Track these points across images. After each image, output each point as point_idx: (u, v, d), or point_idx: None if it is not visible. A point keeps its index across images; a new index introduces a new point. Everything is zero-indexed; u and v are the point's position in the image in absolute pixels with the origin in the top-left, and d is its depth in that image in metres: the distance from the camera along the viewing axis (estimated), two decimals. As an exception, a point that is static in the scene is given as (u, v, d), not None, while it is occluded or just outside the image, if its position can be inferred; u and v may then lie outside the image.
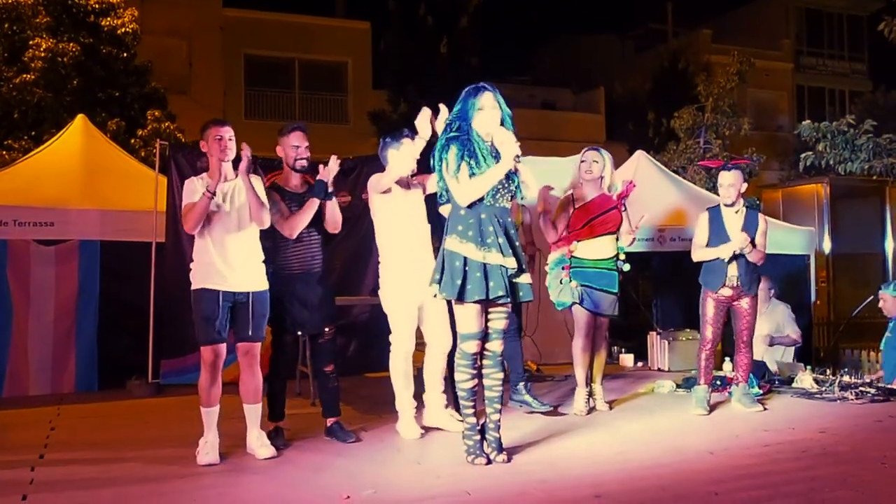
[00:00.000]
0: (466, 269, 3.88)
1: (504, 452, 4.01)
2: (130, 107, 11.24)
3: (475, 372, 4.01)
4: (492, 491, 3.49)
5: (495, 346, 4.04)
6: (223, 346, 4.20)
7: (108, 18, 11.31)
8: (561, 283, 5.29)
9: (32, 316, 6.87)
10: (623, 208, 5.38)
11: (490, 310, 4.02)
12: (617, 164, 10.45)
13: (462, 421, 4.06)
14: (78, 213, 6.96)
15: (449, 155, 3.95)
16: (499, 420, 4.06)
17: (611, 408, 5.45)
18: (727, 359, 6.39)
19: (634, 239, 5.58)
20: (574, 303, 5.26)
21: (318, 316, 4.63)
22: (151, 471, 4.00)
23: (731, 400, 5.51)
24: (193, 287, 4.20)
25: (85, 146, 7.87)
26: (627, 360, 8.06)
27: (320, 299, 4.64)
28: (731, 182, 5.38)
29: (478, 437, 4.00)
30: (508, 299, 3.95)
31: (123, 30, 11.27)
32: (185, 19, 17.71)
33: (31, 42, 10.64)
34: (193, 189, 4.24)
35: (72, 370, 6.95)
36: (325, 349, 4.71)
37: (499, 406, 4.05)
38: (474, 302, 3.89)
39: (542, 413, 5.23)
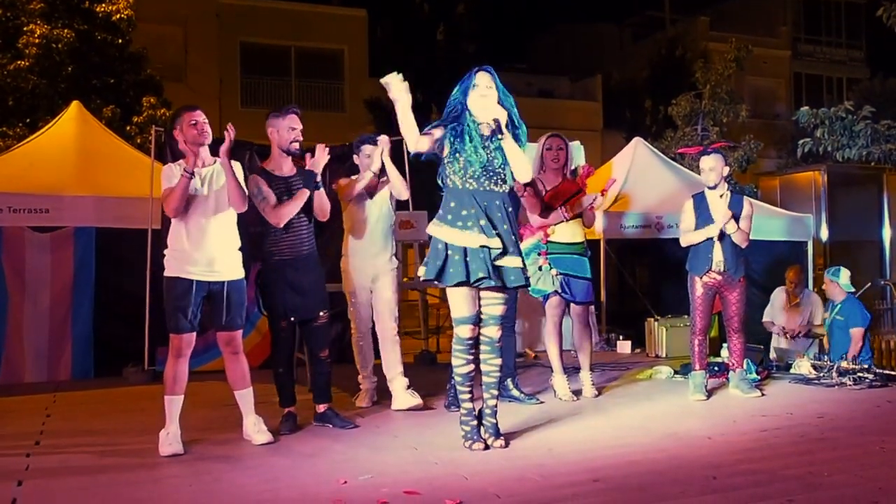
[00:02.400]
0: (448, 252, 3.85)
1: (501, 438, 3.99)
2: (126, 94, 11.20)
3: (471, 357, 3.97)
4: (489, 476, 3.47)
5: (491, 331, 4.00)
6: (192, 336, 4.15)
7: (103, 5, 11.29)
8: (540, 269, 5.25)
9: (28, 303, 6.84)
10: (585, 190, 5.36)
11: (483, 295, 3.97)
12: (614, 151, 10.54)
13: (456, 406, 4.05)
14: (73, 200, 6.93)
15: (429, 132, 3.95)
16: (495, 406, 4.04)
17: (598, 394, 5.43)
18: (725, 345, 6.38)
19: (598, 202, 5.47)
20: (554, 291, 5.24)
21: (311, 301, 4.60)
22: (147, 457, 3.97)
23: (729, 386, 5.50)
24: (166, 274, 4.12)
25: (80, 133, 7.82)
26: (625, 346, 8.05)
27: (312, 284, 4.61)
28: (711, 166, 5.37)
29: (475, 423, 3.99)
30: (493, 282, 3.85)
31: (118, 16, 11.23)
32: (181, 6, 17.60)
33: (25, 28, 10.58)
34: (171, 174, 4.16)
35: (68, 357, 6.93)
36: (320, 334, 4.67)
37: (496, 392, 4.04)
38: (459, 285, 3.84)
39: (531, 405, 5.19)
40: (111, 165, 7.50)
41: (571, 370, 5.60)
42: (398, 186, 5.19)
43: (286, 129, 4.60)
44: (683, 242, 5.52)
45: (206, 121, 4.24)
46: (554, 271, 5.21)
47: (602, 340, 8.33)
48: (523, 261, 3.99)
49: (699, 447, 3.95)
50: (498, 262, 3.87)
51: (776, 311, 7.69)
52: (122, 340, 6.95)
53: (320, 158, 4.61)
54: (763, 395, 5.34)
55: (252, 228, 4.47)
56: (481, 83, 3.95)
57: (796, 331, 7.44)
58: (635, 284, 8.80)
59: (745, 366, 5.53)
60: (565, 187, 5.31)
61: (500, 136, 3.87)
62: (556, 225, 5.25)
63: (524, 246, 5.35)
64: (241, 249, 4.32)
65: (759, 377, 5.85)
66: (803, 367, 6.08)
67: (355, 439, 4.29)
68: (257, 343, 7.08)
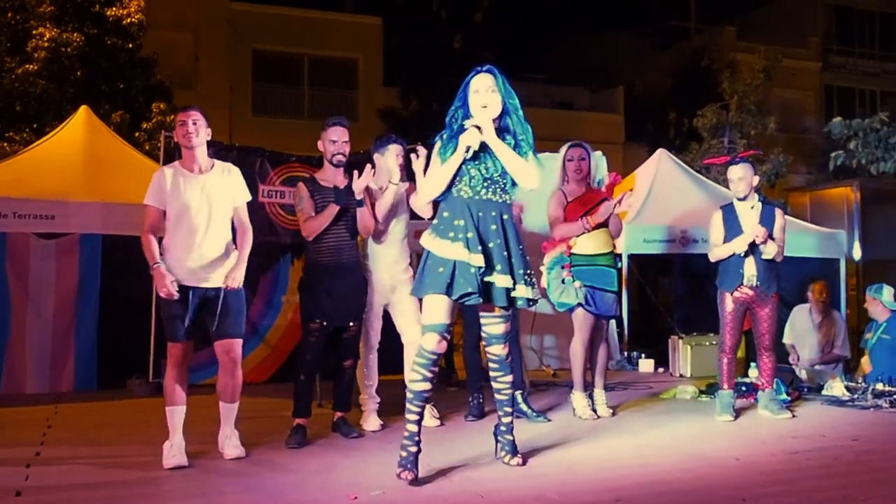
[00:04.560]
0: (429, 262, 3.73)
1: (519, 456, 3.95)
2: (135, 99, 11.30)
3: (430, 375, 3.71)
4: (506, 494, 3.44)
5: (497, 349, 3.93)
6: (190, 345, 4.18)
7: (114, 8, 11.40)
8: (563, 282, 5.23)
9: (31, 311, 6.87)
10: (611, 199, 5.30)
11: (482, 314, 3.90)
12: (636, 164, 10.51)
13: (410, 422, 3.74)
14: (79, 206, 6.95)
15: (436, 145, 3.84)
16: (511, 423, 3.98)
17: (614, 413, 5.39)
18: (752, 364, 6.31)
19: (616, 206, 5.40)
20: (578, 304, 5.21)
21: (345, 309, 4.73)
22: (151, 470, 3.97)
23: (758, 406, 5.43)
24: None
25: (88, 138, 7.87)
26: (647, 365, 7.99)
27: (348, 293, 4.76)
28: (740, 175, 5.32)
29: (414, 450, 3.68)
30: (479, 300, 3.67)
31: (129, 20, 11.33)
32: (192, 12, 17.76)
33: (34, 32, 10.70)
34: (157, 182, 4.17)
35: (70, 368, 6.94)
36: (348, 344, 4.83)
37: (510, 409, 3.97)
38: (437, 294, 3.67)
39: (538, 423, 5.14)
40: (119, 171, 7.53)
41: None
42: (424, 208, 5.19)
43: (328, 142, 4.81)
44: (712, 257, 5.47)
45: (196, 122, 4.21)
46: (577, 283, 5.18)
47: (623, 358, 8.27)
48: (514, 280, 3.73)
49: (726, 468, 3.89)
50: (487, 279, 3.69)
51: (798, 333, 7.52)
52: (126, 351, 6.95)
53: (363, 178, 4.72)
54: (794, 416, 5.26)
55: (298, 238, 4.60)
56: (482, 88, 3.76)
57: (822, 358, 7.32)
58: (658, 301, 8.74)
59: (774, 386, 5.46)
60: (590, 197, 5.29)
61: (466, 154, 3.69)
62: (578, 236, 5.21)
63: (547, 259, 5.34)
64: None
65: (789, 398, 5.77)
66: (836, 388, 6.00)
67: (366, 454, 4.27)
68: (266, 356, 7.08)
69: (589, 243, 5.23)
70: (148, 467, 4.01)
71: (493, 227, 3.73)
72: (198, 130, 4.19)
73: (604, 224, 5.24)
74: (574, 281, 5.18)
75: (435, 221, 3.82)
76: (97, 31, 11.17)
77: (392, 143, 5.13)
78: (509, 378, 3.93)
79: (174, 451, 4.04)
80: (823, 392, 6.07)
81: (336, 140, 4.79)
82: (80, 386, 6.92)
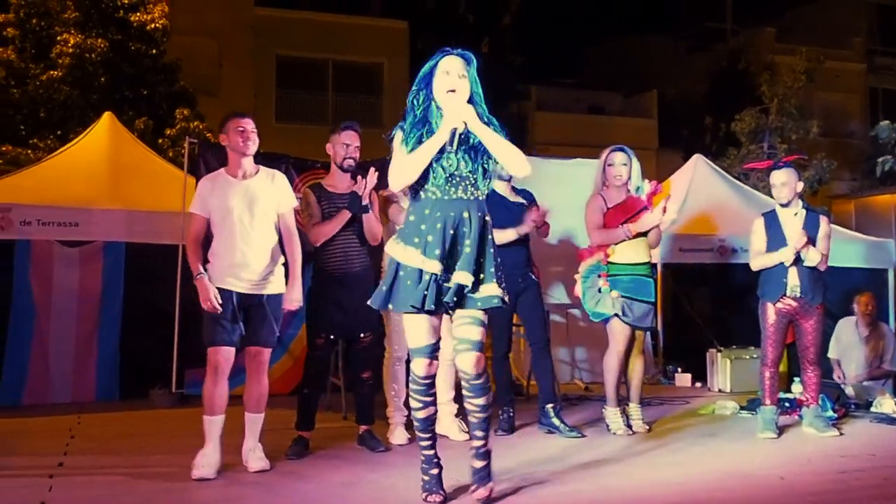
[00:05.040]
0: (399, 273, 3.45)
1: (489, 485, 3.53)
2: (158, 105, 11.45)
3: (429, 399, 3.55)
4: (540, 511, 3.40)
5: (465, 362, 3.47)
6: (231, 350, 4.19)
7: (138, 14, 11.57)
8: (599, 291, 5.18)
9: (54, 320, 6.95)
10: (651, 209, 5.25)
11: (456, 315, 3.53)
12: (671, 170, 10.43)
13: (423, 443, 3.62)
14: (103, 214, 7.05)
15: (396, 136, 3.52)
16: (482, 447, 3.55)
17: (650, 429, 5.32)
18: (795, 379, 6.22)
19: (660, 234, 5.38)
20: (614, 314, 5.16)
21: (355, 321, 4.66)
22: (175, 481, 3.98)
23: (802, 423, 5.35)
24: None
25: (112, 145, 7.98)
26: (684, 380, 7.91)
27: (358, 303, 4.63)
28: (783, 181, 5.26)
29: (436, 472, 3.59)
30: (450, 311, 3.47)
31: (153, 25, 11.50)
32: (215, 18, 17.95)
33: (58, 38, 10.89)
34: (201, 190, 4.29)
35: (93, 377, 7.01)
36: (362, 356, 4.79)
37: (481, 433, 3.54)
38: (413, 311, 3.43)
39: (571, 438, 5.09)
40: (143, 178, 7.63)
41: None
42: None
43: (341, 146, 4.80)
44: (754, 266, 5.40)
45: (255, 131, 4.33)
46: (614, 293, 5.13)
47: (658, 372, 8.20)
48: (481, 279, 3.46)
49: (770, 487, 3.83)
50: (449, 283, 3.41)
51: (844, 347, 7.38)
52: (149, 361, 7.01)
53: (369, 181, 4.71)
54: (841, 434, 5.17)
55: (307, 246, 4.59)
56: (452, 71, 3.46)
57: (870, 374, 7.18)
58: (695, 312, 8.65)
59: (820, 402, 5.37)
60: (630, 204, 5.24)
61: (449, 149, 3.43)
62: (617, 244, 5.17)
63: (582, 268, 5.30)
64: (284, 265, 4.36)
65: (835, 415, 5.68)
66: (886, 405, 5.89)
67: (392, 469, 4.26)
68: (289, 368, 7.11)
69: (627, 252, 5.18)
70: (171, 478, 4.03)
71: (465, 228, 3.44)
72: (254, 138, 4.30)
73: (642, 233, 5.20)
74: (611, 290, 5.14)
75: (399, 226, 3.60)
76: (121, 36, 11.36)
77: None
78: (481, 401, 3.50)
79: (205, 461, 4.06)
80: (872, 409, 5.97)
81: (349, 144, 4.80)
82: (102, 395, 6.99)
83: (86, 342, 7.01)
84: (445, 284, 3.41)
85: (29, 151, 10.28)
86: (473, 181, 3.49)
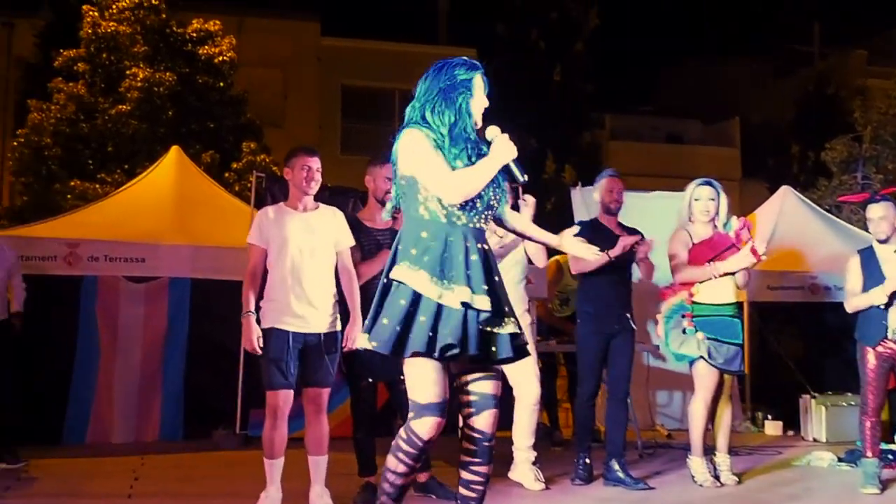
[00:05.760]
0: (411, 308, 2.96)
1: None
2: (225, 139, 11.77)
3: (418, 465, 3.11)
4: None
5: (483, 421, 3.07)
6: (289, 393, 4.23)
7: (206, 47, 11.97)
8: (684, 332, 5.08)
9: (119, 357, 7.14)
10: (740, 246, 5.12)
11: (472, 371, 3.10)
12: (756, 203, 10.25)
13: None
14: (169, 249, 7.21)
15: (419, 143, 3.11)
16: None
17: (739, 481, 5.18)
18: (899, 429, 5.99)
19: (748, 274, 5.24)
20: (699, 357, 5.05)
21: (393, 362, 4.61)
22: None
23: (907, 478, 5.13)
24: (262, 326, 4.21)
25: (178, 179, 8.19)
26: (774, 427, 7.73)
27: None
28: (881, 215, 5.11)
29: None
30: (476, 353, 2.95)
31: (221, 58, 11.87)
32: (282, 49, 18.41)
33: (127, 72, 11.31)
34: (260, 220, 4.35)
35: (156, 417, 7.17)
36: (405, 399, 4.69)
37: None
38: (416, 355, 2.96)
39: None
40: (209, 213, 7.80)
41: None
42: (537, 254, 5.19)
43: (383, 179, 4.69)
44: (850, 307, 5.23)
45: (319, 169, 4.40)
46: (700, 335, 5.03)
47: (746, 419, 7.98)
48: (519, 324, 3.16)
49: (876, 549, 3.67)
50: (489, 328, 3.01)
51: None
52: (213, 400, 7.14)
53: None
54: (951, 490, 4.95)
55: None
56: (480, 89, 3.22)
57: None
58: (786, 355, 8.41)
59: (927, 454, 5.15)
60: (717, 241, 5.15)
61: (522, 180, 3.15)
62: (702, 283, 5.07)
63: (665, 307, 5.21)
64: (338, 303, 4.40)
65: (944, 469, 5.44)
66: None
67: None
68: (356, 409, 7.13)
69: (714, 291, 5.08)
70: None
71: (490, 262, 3.13)
72: (318, 178, 4.38)
73: (731, 272, 5.08)
74: (696, 331, 5.04)
75: (414, 251, 3.03)
76: (189, 70, 11.75)
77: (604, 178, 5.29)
78: (486, 469, 3.11)
79: (268, 502, 4.12)
80: None
81: (391, 178, 4.74)
82: (165, 435, 7.13)
83: (150, 381, 7.18)
84: (492, 329, 3.02)
85: (97, 186, 10.65)
86: (495, 209, 3.24)
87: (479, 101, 3.22)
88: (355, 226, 4.67)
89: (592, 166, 16.03)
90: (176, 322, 7.28)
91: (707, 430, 5.23)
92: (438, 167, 3.06)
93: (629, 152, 19.83)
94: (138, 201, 7.91)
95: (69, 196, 10.59)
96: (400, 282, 3.00)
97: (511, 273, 5.06)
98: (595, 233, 5.11)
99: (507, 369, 5.05)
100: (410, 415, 3.00)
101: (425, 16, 21.49)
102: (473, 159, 3.13)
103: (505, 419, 5.32)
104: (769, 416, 7.86)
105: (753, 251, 4.94)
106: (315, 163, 4.37)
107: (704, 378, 5.09)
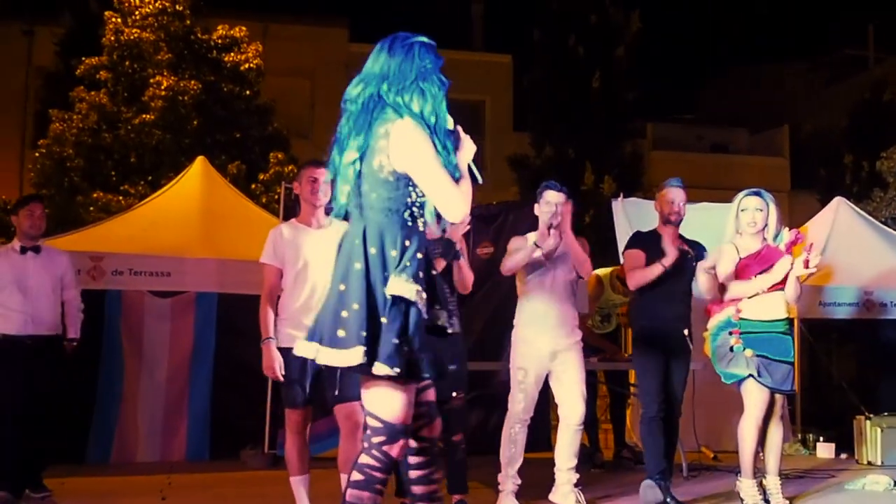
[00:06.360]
0: (412, 330, 2.91)
1: None
2: (251, 149, 11.93)
3: (384, 489, 2.98)
4: None
5: (437, 429, 3.14)
6: (310, 410, 4.33)
7: (231, 54, 12.19)
8: (732, 350, 5.10)
9: (144, 374, 7.30)
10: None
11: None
12: (805, 215, 10.21)
13: None
14: (195, 263, 7.32)
15: (424, 143, 2.93)
16: None
17: None
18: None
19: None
20: (749, 376, 5.07)
21: (443, 380, 4.69)
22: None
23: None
24: (280, 345, 4.27)
25: (204, 191, 8.32)
26: (826, 450, 7.68)
27: (445, 358, 4.68)
28: None
29: None
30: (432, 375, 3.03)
31: (247, 66, 12.05)
32: (308, 56, 18.62)
33: (151, 81, 11.52)
34: (273, 239, 4.39)
35: (183, 436, 7.30)
36: (453, 417, 4.80)
37: None
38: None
39: None
40: (236, 226, 7.92)
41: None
42: (582, 264, 5.25)
43: None
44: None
45: (328, 182, 4.42)
46: (749, 352, 5.04)
47: (796, 441, 7.94)
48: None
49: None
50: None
51: None
52: (240, 419, 7.26)
53: (459, 225, 4.70)
54: None
55: None
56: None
57: None
58: (839, 374, 8.38)
59: None
60: (766, 255, 5.16)
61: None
62: (750, 298, 5.09)
63: (712, 324, 5.24)
64: None
65: None
66: None
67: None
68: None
69: (762, 307, 5.08)
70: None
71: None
72: (326, 190, 4.37)
73: (781, 286, 5.10)
74: (744, 349, 5.06)
75: (408, 263, 2.93)
76: (214, 78, 11.95)
77: (546, 191, 5.20)
78: (440, 475, 3.14)
79: None
80: None
81: None
82: (192, 455, 7.27)
83: (176, 398, 7.33)
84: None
85: (120, 198, 10.84)
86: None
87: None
88: None
89: (633, 177, 16.03)
90: (202, 338, 7.41)
91: (756, 452, 5.23)
92: (448, 180, 2.92)
93: (672, 163, 19.76)
94: (163, 214, 8.04)
95: (92, 208, 10.79)
96: (406, 297, 2.88)
97: (558, 291, 5.16)
98: (653, 244, 5.17)
99: (554, 388, 5.15)
100: (381, 439, 2.89)
101: (459, 21, 21.65)
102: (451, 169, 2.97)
103: (543, 441, 5.41)
104: (821, 438, 7.82)
105: (805, 263, 4.96)
106: (322, 174, 4.34)
107: (754, 397, 5.09)
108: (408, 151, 2.91)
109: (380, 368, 2.83)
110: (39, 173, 11.90)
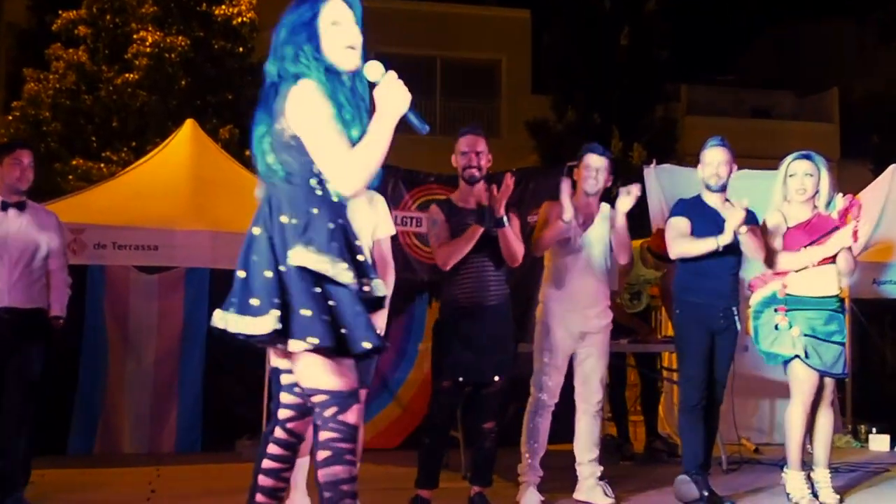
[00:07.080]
0: (334, 301, 2.91)
1: None
2: (245, 112, 11.84)
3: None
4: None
5: (306, 425, 3.16)
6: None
7: (222, 6, 12.09)
8: (776, 328, 5.07)
9: (130, 359, 7.32)
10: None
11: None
12: (857, 185, 10.13)
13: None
14: (185, 236, 7.27)
15: (312, 102, 2.95)
16: None
17: (842, 500, 5.16)
18: None
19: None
20: (795, 356, 5.03)
21: (487, 361, 4.74)
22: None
23: None
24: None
25: (194, 157, 8.27)
26: (880, 442, 7.68)
27: (492, 341, 4.73)
28: None
29: None
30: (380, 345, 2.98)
31: (239, 20, 11.99)
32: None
33: (135, 36, 11.47)
34: None
35: (172, 425, 7.34)
36: (490, 403, 4.84)
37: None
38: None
39: None
40: (229, 195, 7.86)
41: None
42: (622, 252, 5.26)
43: (459, 155, 4.88)
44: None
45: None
46: (795, 331, 5.01)
47: (846, 432, 7.94)
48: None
49: None
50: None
51: None
52: (235, 407, 7.27)
53: (504, 191, 4.72)
54: None
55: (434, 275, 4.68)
56: (343, 18, 3.19)
57: None
58: (893, 360, 8.36)
59: None
60: (816, 224, 5.11)
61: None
62: (798, 272, 5.05)
63: (754, 300, 5.20)
64: None
65: None
66: None
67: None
68: (397, 417, 7.24)
69: (812, 282, 5.04)
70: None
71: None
72: None
73: (831, 258, 5.06)
74: (791, 327, 5.02)
75: (309, 232, 2.93)
76: (203, 33, 11.90)
77: (587, 154, 5.21)
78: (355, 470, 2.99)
79: None
80: None
81: (467, 151, 4.83)
82: (182, 446, 7.31)
83: (166, 384, 7.35)
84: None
85: (102, 166, 10.85)
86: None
87: (338, 35, 3.13)
88: (448, 207, 4.89)
89: (665, 145, 15.91)
90: (193, 317, 7.41)
91: (804, 442, 5.22)
92: (336, 145, 2.90)
93: (709, 128, 19.48)
94: (149, 182, 8.00)
95: (71, 177, 10.79)
96: (310, 268, 2.90)
97: (592, 269, 5.15)
98: (697, 213, 5.12)
99: (579, 375, 5.15)
100: (333, 409, 2.89)
101: (471, -28, 21.49)
102: (365, 122, 3.01)
103: (568, 431, 5.41)
104: (874, 430, 7.81)
105: (854, 233, 4.92)
106: None
107: (801, 381, 5.07)
108: (298, 113, 2.95)
109: (294, 345, 2.88)
110: (13, 139, 11.87)
